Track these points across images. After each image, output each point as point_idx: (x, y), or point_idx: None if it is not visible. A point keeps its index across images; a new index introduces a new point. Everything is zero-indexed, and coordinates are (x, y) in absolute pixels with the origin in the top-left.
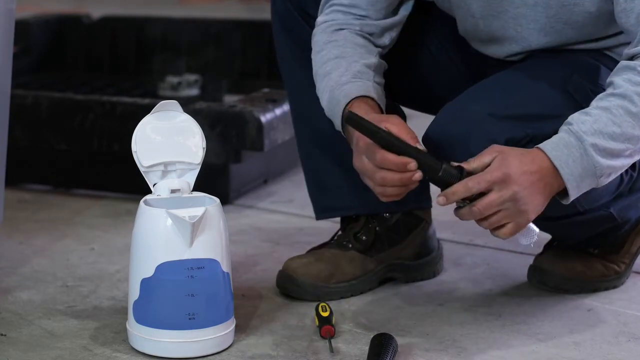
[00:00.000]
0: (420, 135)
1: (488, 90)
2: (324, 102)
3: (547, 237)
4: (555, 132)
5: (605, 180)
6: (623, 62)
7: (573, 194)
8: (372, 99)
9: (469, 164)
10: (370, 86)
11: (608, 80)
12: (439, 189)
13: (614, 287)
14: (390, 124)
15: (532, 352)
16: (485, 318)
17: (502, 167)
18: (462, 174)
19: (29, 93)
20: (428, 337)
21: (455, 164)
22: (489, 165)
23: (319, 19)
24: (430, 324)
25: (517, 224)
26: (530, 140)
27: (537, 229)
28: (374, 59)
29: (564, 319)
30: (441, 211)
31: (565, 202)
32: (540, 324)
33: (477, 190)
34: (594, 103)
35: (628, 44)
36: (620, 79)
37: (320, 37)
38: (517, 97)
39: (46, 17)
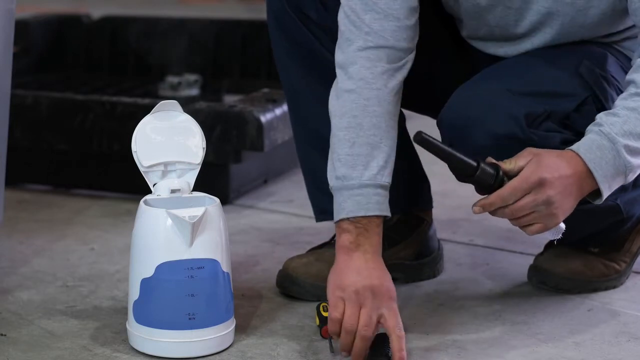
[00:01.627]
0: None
1: (501, 71)
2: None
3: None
4: (572, 110)
5: (632, 177)
6: None
7: (605, 194)
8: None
9: (504, 164)
10: (386, 202)
11: (627, 78)
12: (438, 190)
13: (614, 286)
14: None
15: (532, 352)
16: (485, 318)
17: (537, 171)
18: (498, 174)
19: (29, 93)
20: (428, 337)
21: (492, 160)
22: (523, 167)
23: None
24: (430, 324)
25: (545, 225)
26: (548, 116)
27: (563, 225)
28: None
29: (564, 319)
30: (441, 211)
31: (597, 202)
32: (540, 324)
33: (514, 200)
34: (619, 103)
35: (633, 37)
36: None
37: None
38: (531, 76)
39: (46, 17)
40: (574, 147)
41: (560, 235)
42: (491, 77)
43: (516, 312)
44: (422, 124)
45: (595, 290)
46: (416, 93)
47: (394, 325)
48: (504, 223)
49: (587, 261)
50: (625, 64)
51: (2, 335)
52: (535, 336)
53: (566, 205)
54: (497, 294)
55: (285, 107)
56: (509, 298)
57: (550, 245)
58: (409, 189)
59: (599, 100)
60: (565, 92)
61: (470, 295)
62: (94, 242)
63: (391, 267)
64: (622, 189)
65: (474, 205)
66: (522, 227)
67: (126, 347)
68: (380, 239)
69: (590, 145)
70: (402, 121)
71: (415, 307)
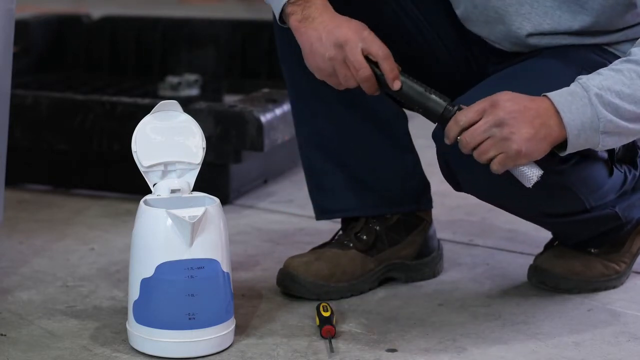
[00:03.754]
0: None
1: (496, 84)
2: None
3: (549, 235)
4: None
5: (608, 142)
6: None
7: (572, 142)
8: None
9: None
10: None
11: (628, 52)
12: (438, 190)
13: (614, 287)
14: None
15: (532, 352)
16: (485, 318)
17: (491, 97)
18: (452, 106)
19: (29, 93)
20: (428, 337)
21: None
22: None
23: None
24: (430, 324)
25: (505, 155)
26: None
27: (538, 171)
28: None
29: (564, 319)
30: (441, 211)
31: (562, 153)
32: (540, 324)
33: (467, 122)
34: (607, 67)
35: (634, 40)
36: (638, 49)
37: None
38: (526, 91)
39: (46, 17)
40: (547, 93)
41: (534, 179)
42: (486, 93)
43: (516, 312)
44: (422, 123)
45: (595, 290)
46: None
47: (377, 49)
48: (504, 223)
49: (586, 261)
50: None
51: (2, 335)
52: (535, 336)
53: (522, 131)
54: (497, 294)
55: (285, 107)
56: (509, 298)
57: (550, 245)
58: (409, 189)
59: None
60: None
61: (470, 295)
62: (94, 242)
63: (391, 266)
64: (622, 194)
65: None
66: (484, 159)
67: (126, 347)
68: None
69: (562, 91)
70: (403, 121)
71: (415, 307)
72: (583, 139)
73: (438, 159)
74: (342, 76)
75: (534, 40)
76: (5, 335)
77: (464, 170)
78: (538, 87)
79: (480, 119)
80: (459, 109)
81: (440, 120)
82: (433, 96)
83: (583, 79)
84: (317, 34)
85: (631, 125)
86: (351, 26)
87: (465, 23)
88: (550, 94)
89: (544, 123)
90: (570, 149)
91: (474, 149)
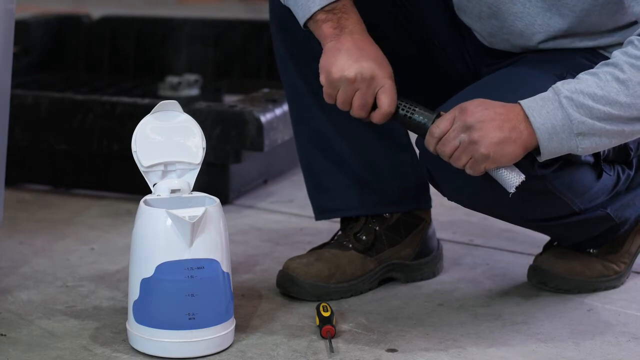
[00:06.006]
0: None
1: (481, 89)
2: None
3: (546, 237)
4: None
5: (587, 145)
6: (628, 39)
7: (545, 146)
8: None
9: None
10: None
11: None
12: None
13: (614, 287)
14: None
15: (532, 352)
16: (485, 318)
17: (462, 104)
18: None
19: (29, 93)
20: (428, 337)
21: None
22: None
23: None
24: (430, 324)
25: (474, 160)
26: None
27: (519, 177)
28: None
29: (564, 319)
30: (441, 211)
31: (539, 158)
32: (540, 324)
33: (440, 133)
34: (586, 71)
35: (622, 43)
36: (618, 52)
37: None
38: (510, 96)
39: (46, 17)
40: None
41: (515, 184)
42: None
43: (516, 312)
44: None
45: (595, 290)
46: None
47: (386, 104)
48: (504, 223)
49: (586, 262)
50: None
51: (2, 335)
52: (535, 336)
53: (491, 135)
54: (497, 294)
55: (285, 107)
56: (509, 298)
57: (550, 245)
58: (408, 189)
59: None
60: None
61: (470, 295)
62: (94, 242)
63: (391, 267)
64: (614, 195)
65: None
66: (459, 165)
67: (126, 347)
68: (359, 17)
69: (534, 97)
70: None
71: (415, 307)
72: (557, 142)
73: (422, 168)
74: (343, 96)
75: (525, 40)
76: (5, 335)
77: (444, 179)
78: (519, 93)
79: (451, 125)
80: (438, 116)
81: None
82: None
83: (558, 84)
84: (347, 48)
85: (608, 127)
86: (383, 65)
87: (459, 14)
88: (522, 101)
89: (514, 127)
90: (545, 153)
91: (450, 156)
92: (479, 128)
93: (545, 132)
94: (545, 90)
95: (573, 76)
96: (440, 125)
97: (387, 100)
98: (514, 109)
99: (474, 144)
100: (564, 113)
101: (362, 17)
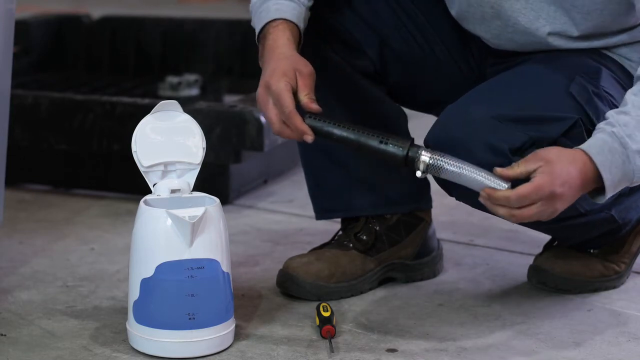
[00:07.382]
0: (421, 135)
1: (490, 92)
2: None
3: (546, 237)
4: (560, 135)
5: (637, 182)
6: None
7: (608, 196)
8: (297, 26)
9: (513, 170)
10: (302, 12)
11: (638, 73)
12: (438, 190)
13: (614, 287)
14: (300, 76)
15: (532, 352)
16: (485, 318)
17: (550, 184)
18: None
19: (29, 93)
20: (428, 337)
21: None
22: (532, 172)
23: None
24: (430, 324)
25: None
26: (533, 144)
27: (504, 184)
28: None
29: (564, 319)
30: (441, 211)
31: (598, 201)
32: (540, 324)
33: (519, 206)
34: (629, 98)
35: (629, 44)
36: None
37: None
38: (520, 99)
39: (46, 17)
40: (585, 146)
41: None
42: (480, 101)
43: (516, 312)
44: (422, 124)
45: (595, 290)
46: (417, 91)
47: (301, 89)
48: (504, 223)
49: (586, 262)
50: (620, 76)
51: (2, 335)
52: (536, 336)
53: (566, 207)
54: (497, 294)
55: None
56: (509, 298)
57: (550, 245)
58: (408, 189)
59: (590, 120)
60: (555, 117)
61: (470, 296)
62: (94, 242)
63: (391, 267)
64: (618, 197)
65: (480, 197)
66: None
67: (126, 347)
68: (288, 36)
69: (602, 147)
70: (403, 121)
71: (415, 307)
72: (617, 189)
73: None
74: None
75: (529, 36)
76: (5, 335)
77: (454, 185)
78: (531, 95)
79: (533, 203)
80: (415, 146)
81: (405, 162)
82: (385, 146)
83: (617, 127)
84: (272, 66)
85: None
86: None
87: (462, 22)
88: (591, 152)
89: (585, 188)
90: (605, 199)
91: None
92: (562, 208)
93: (612, 185)
94: (557, 93)
95: (583, 78)
96: (520, 199)
97: (300, 84)
98: (589, 172)
99: (551, 215)
100: (631, 167)
101: (366, 20)
